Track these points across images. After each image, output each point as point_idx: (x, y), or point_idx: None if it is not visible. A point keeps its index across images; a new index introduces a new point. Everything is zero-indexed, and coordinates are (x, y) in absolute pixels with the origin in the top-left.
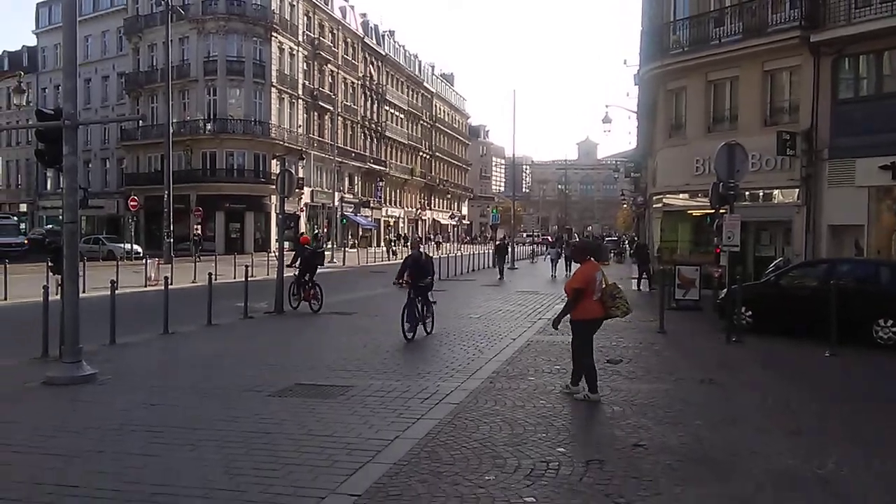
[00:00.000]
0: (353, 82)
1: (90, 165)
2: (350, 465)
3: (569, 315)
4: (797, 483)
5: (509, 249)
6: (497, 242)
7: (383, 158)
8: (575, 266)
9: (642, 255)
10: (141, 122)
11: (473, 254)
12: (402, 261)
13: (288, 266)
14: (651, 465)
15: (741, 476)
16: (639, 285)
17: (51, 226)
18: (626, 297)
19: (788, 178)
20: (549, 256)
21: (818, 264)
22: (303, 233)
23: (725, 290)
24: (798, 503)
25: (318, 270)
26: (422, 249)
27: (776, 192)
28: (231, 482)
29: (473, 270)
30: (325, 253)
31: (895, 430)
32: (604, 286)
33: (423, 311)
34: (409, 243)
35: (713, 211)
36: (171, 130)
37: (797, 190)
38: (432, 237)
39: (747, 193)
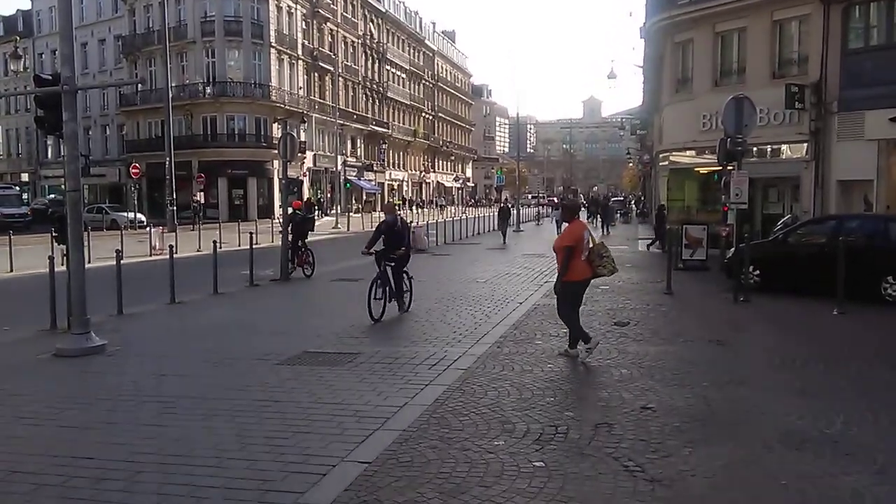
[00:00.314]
0: (353, 41)
1: (90, 133)
2: (360, 433)
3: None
4: (805, 442)
5: (513, 212)
6: (500, 205)
7: (385, 120)
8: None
9: (661, 217)
10: (140, 86)
11: (478, 217)
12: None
13: (281, 232)
14: (659, 427)
15: (749, 436)
16: (649, 246)
17: (53, 195)
18: (613, 256)
19: (797, 133)
20: (554, 218)
21: (826, 221)
22: (294, 193)
23: (733, 249)
24: (806, 462)
25: (310, 237)
26: (398, 214)
27: (784, 147)
28: (243, 451)
29: (478, 234)
30: (316, 219)
31: None
32: (591, 245)
33: (396, 286)
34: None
35: (720, 168)
36: (171, 95)
37: (805, 145)
38: (434, 200)
39: (755, 149)
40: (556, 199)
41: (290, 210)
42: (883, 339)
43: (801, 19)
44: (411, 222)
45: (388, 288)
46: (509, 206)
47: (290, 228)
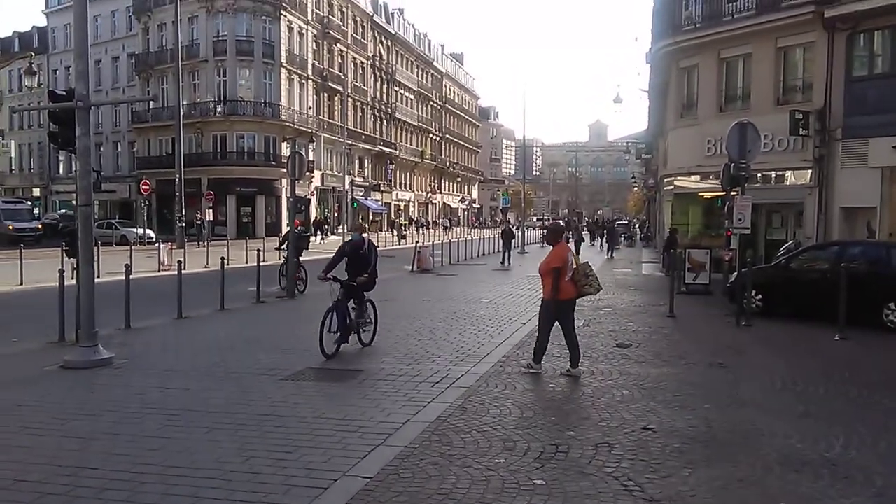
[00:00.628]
0: (362, 62)
1: (102, 149)
2: (362, 448)
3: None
4: (805, 465)
5: (516, 234)
6: (503, 227)
7: (393, 141)
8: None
9: (673, 241)
10: (151, 104)
11: (483, 238)
12: (413, 247)
13: (276, 249)
14: (660, 448)
15: (749, 458)
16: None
17: (64, 210)
18: (597, 276)
19: (801, 159)
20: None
21: (828, 247)
22: (301, 212)
23: (736, 273)
24: (805, 485)
25: (317, 255)
26: (365, 236)
27: (788, 173)
28: (245, 464)
29: (483, 255)
30: (311, 237)
31: None
32: (574, 266)
33: (358, 316)
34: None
35: (724, 193)
36: (182, 112)
37: (809, 171)
38: (439, 221)
39: (759, 175)
40: (561, 222)
41: (288, 228)
42: (883, 364)
43: (805, 46)
44: (419, 243)
45: (346, 318)
46: (512, 227)
47: (285, 246)
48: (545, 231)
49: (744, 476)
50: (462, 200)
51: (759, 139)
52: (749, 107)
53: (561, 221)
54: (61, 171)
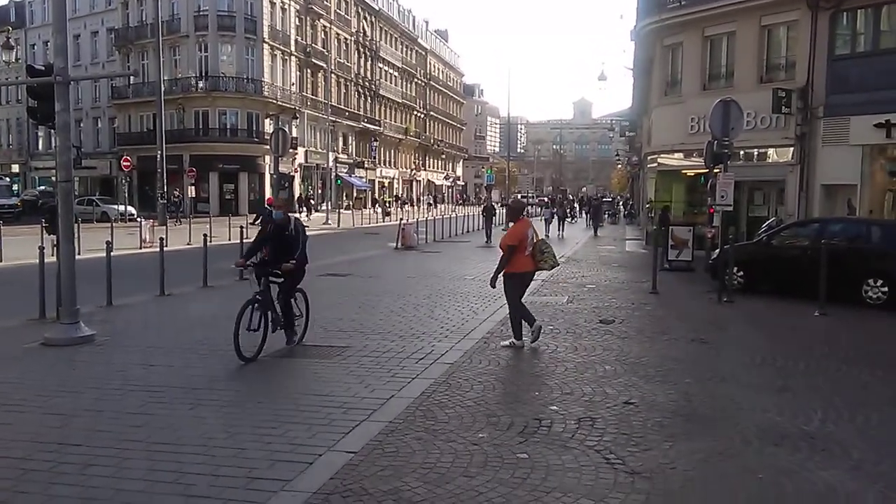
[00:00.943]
0: (346, 38)
1: (81, 125)
2: (347, 424)
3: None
4: (783, 438)
5: (498, 211)
6: (484, 204)
7: (377, 118)
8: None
9: (665, 220)
10: (132, 79)
11: (467, 215)
12: (395, 224)
13: (250, 224)
14: (641, 422)
15: (729, 432)
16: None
17: (44, 187)
18: (553, 252)
19: (783, 137)
20: (544, 217)
21: (809, 224)
22: (284, 189)
23: (718, 250)
24: (783, 457)
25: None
26: (293, 215)
27: (770, 150)
28: (230, 440)
29: (468, 231)
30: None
31: (880, 387)
32: (535, 241)
33: (284, 312)
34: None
35: (707, 170)
36: (163, 88)
37: (791, 149)
38: (422, 197)
39: (741, 153)
40: (545, 199)
41: (267, 203)
42: (862, 340)
43: (789, 25)
44: (403, 220)
45: (269, 314)
46: (494, 204)
47: (259, 222)
48: (506, 209)
49: (723, 449)
50: (447, 178)
51: (742, 117)
52: (733, 84)
53: (521, 197)
54: (41, 147)
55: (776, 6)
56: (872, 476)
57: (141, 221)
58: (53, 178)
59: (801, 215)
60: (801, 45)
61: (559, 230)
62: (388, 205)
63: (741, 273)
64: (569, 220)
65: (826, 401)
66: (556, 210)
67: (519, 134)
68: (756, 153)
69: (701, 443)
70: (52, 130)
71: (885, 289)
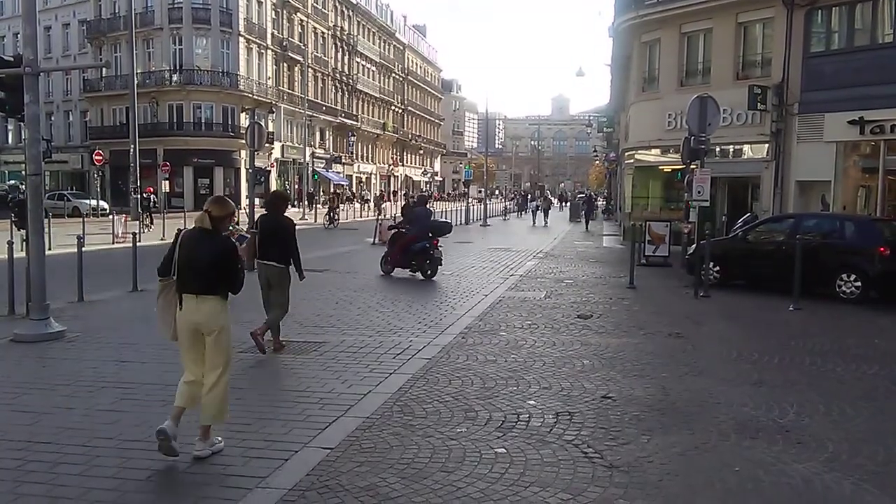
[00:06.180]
0: (323, 32)
1: (53, 118)
2: (323, 419)
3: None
4: (759, 431)
5: (471, 207)
6: (413, 199)
7: (355, 112)
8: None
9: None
10: (104, 72)
11: (446, 211)
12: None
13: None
14: (619, 416)
15: (705, 425)
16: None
17: (13, 181)
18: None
19: (758, 133)
20: (530, 210)
21: (784, 219)
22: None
23: (694, 245)
24: (759, 450)
25: None
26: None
27: (746, 147)
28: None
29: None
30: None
31: (854, 380)
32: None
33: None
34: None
35: (684, 166)
36: (136, 81)
37: (767, 145)
38: (399, 192)
39: (718, 149)
40: (522, 194)
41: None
42: (836, 334)
43: (764, 22)
44: (379, 216)
45: None
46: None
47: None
48: (515, 202)
49: (700, 443)
50: (424, 173)
51: (718, 113)
52: (709, 81)
53: (543, 193)
54: (10, 140)
55: (752, 4)
56: (848, 468)
57: (113, 216)
58: (23, 172)
59: (775, 211)
60: (777, 42)
61: (545, 220)
62: (336, 207)
63: (717, 268)
64: (552, 210)
65: (801, 394)
66: (540, 203)
67: (497, 130)
68: (732, 149)
69: (678, 436)
70: (22, 123)
71: (858, 283)
